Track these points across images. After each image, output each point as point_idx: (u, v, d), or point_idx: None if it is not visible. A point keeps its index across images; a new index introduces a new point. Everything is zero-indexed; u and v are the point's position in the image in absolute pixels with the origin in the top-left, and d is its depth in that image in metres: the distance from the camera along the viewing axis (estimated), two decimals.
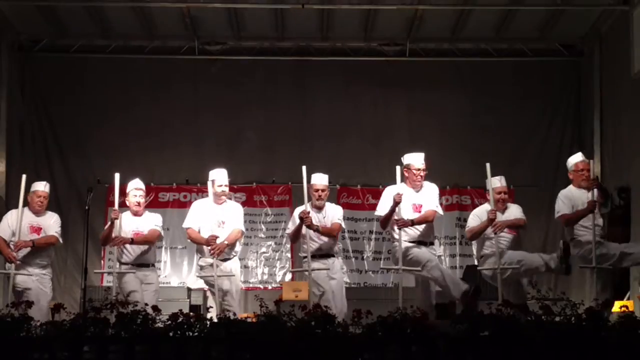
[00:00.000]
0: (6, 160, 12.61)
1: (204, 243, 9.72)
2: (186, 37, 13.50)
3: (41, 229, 10.04)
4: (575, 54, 13.76)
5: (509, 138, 13.69)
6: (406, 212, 9.47)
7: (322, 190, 9.92)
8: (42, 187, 10.23)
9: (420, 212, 9.53)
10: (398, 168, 9.53)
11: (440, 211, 9.81)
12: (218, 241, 9.57)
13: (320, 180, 9.95)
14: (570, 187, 9.84)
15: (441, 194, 13.41)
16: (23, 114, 13.52)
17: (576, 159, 9.89)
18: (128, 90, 13.73)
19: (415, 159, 9.71)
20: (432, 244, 9.77)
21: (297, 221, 9.80)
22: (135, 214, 10.03)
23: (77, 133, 13.63)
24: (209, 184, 9.96)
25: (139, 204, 10.06)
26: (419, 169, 9.65)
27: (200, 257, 10.08)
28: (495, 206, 9.59)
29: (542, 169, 13.52)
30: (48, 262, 10.19)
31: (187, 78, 13.89)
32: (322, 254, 9.82)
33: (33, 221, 10.03)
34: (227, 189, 9.97)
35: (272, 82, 13.94)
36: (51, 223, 10.15)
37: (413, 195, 9.61)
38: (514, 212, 9.87)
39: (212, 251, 9.57)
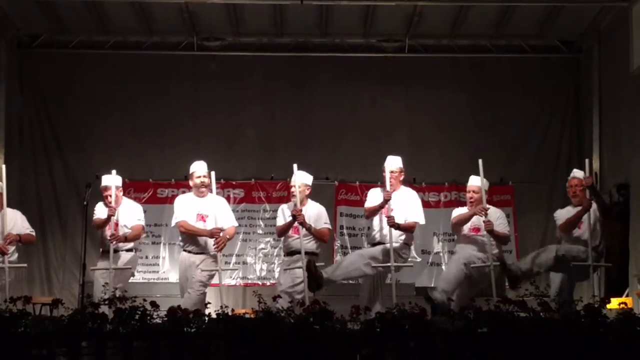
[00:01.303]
0: (4, 156, 12.60)
1: (207, 235, 9.66)
2: (185, 32, 13.49)
3: None
4: (574, 51, 13.74)
5: (508, 134, 13.68)
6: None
7: (297, 186, 9.83)
8: None
9: (387, 215, 9.55)
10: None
11: (422, 222, 9.90)
12: None
13: (298, 177, 9.86)
14: (568, 207, 9.85)
15: (439, 191, 13.56)
16: (21, 110, 13.52)
17: (571, 175, 9.88)
18: (127, 85, 13.72)
19: (387, 162, 9.85)
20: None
21: (286, 216, 9.82)
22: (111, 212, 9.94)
23: (75, 128, 13.63)
24: (189, 177, 10.00)
25: (110, 202, 9.93)
26: (384, 172, 9.77)
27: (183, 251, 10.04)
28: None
29: (541, 166, 13.52)
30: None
31: (186, 74, 13.88)
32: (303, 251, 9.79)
33: None
34: (206, 180, 9.85)
35: (270, 78, 13.93)
36: (19, 223, 9.94)
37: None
38: (492, 217, 9.75)
39: (215, 245, 9.55)
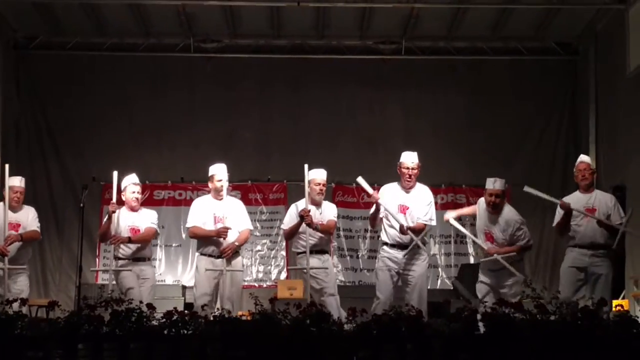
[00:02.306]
0: (1, 158, 12.58)
1: (214, 235, 9.48)
2: (181, 34, 13.50)
3: (19, 225, 9.90)
4: (571, 53, 13.76)
5: (505, 136, 13.69)
6: (391, 210, 9.41)
7: (323, 185, 9.83)
8: (17, 182, 9.98)
9: (405, 213, 9.34)
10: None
11: (433, 223, 9.62)
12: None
13: (321, 175, 9.86)
14: (576, 192, 9.61)
15: (436, 193, 13.43)
16: (18, 112, 13.51)
17: (578, 160, 9.71)
18: (123, 87, 13.73)
19: (406, 157, 9.51)
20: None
21: (294, 218, 9.72)
22: (132, 209, 9.95)
23: (72, 130, 13.63)
24: (209, 179, 9.88)
25: (137, 199, 9.96)
26: (407, 168, 9.44)
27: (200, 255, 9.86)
28: (487, 208, 9.50)
29: (537, 168, 13.53)
30: (26, 259, 10.10)
31: (183, 76, 13.89)
32: (317, 249, 9.71)
33: (11, 218, 9.84)
34: (226, 184, 9.78)
35: (267, 80, 13.94)
36: (31, 219, 10.04)
37: (402, 196, 9.46)
38: (506, 216, 9.51)
39: (222, 251, 9.39)
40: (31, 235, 10.02)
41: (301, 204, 9.76)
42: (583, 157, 9.66)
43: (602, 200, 9.38)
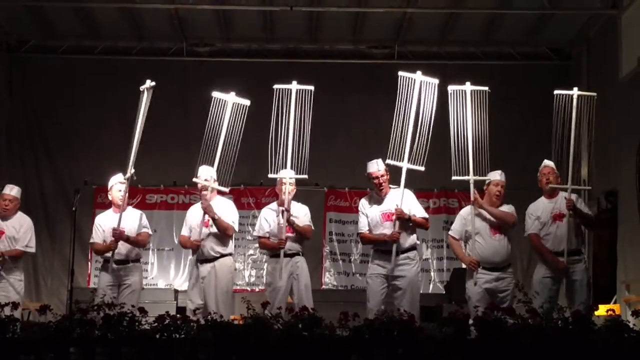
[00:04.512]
0: None
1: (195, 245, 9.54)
2: (175, 38, 13.51)
3: (3, 232, 9.83)
4: (564, 58, 13.79)
5: (497, 141, 13.66)
6: (376, 221, 9.39)
7: (291, 184, 9.75)
8: (8, 190, 9.98)
9: (390, 220, 9.25)
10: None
11: (426, 215, 9.61)
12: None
13: (287, 174, 9.81)
14: (541, 198, 9.68)
15: (428, 197, 13.54)
16: (10, 115, 13.49)
17: (542, 165, 9.80)
18: (116, 91, 13.69)
19: (373, 167, 9.59)
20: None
21: (265, 226, 9.70)
22: (118, 208, 9.80)
23: (64, 134, 13.62)
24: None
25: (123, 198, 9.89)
26: (377, 177, 9.49)
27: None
28: (490, 200, 9.54)
29: (530, 173, 13.45)
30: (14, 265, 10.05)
31: (176, 79, 13.87)
32: (290, 254, 9.63)
33: None
34: (207, 184, 9.75)
35: (260, 84, 13.91)
36: (21, 234, 9.99)
37: (381, 204, 9.42)
38: (504, 207, 9.63)
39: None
40: (12, 254, 9.92)
41: (272, 207, 9.84)
42: (547, 162, 9.77)
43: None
